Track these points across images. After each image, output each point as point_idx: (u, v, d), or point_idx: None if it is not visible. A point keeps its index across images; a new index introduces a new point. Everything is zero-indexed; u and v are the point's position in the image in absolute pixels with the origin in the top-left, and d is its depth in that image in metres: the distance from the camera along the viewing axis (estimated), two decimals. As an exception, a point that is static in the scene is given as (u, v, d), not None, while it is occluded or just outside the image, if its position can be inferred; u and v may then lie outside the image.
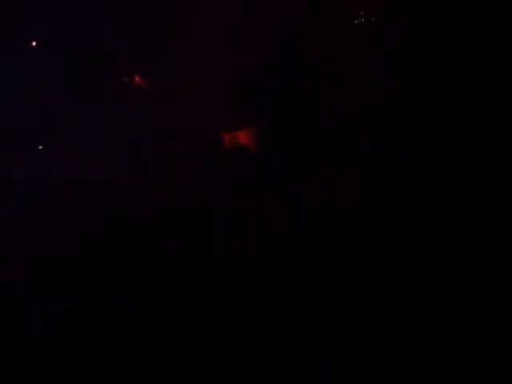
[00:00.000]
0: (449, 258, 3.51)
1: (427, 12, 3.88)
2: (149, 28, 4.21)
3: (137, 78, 4.32)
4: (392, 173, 3.86)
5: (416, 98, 3.87)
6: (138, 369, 3.15)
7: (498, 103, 3.73)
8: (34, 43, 4.20)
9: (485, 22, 3.77)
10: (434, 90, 3.85)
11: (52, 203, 4.15)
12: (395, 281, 3.47)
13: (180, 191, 4.05)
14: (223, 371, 3.11)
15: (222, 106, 4.12)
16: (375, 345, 3.15)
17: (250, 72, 4.13)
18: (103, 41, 4.21)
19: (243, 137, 4.18)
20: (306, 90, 4.04)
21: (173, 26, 4.19)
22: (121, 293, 3.58)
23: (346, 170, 3.91)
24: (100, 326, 3.36)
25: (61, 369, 3.06)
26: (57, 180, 4.30)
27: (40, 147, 4.37)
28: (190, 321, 3.39)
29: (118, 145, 4.27)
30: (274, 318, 3.36)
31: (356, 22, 4.03)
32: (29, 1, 4.16)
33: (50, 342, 3.26)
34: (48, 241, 4.00)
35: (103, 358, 3.13)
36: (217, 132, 4.25)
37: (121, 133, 4.26)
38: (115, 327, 3.35)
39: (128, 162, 4.24)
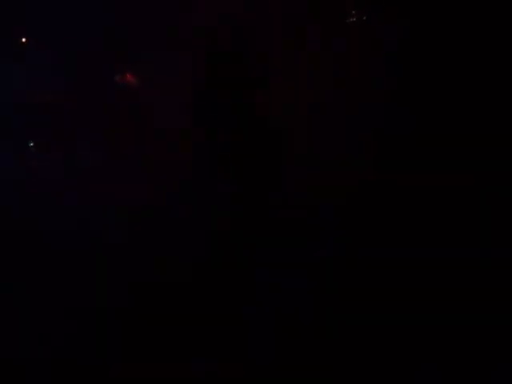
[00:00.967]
0: (447, 258, 3.52)
1: (426, 12, 3.88)
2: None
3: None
4: (391, 172, 3.86)
5: (415, 97, 3.87)
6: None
7: (497, 103, 3.74)
8: (26, 40, 4.20)
9: (484, 21, 3.77)
10: (433, 90, 3.85)
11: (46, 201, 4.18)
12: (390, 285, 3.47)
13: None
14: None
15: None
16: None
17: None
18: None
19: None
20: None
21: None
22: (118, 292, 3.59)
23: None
24: (98, 324, 3.36)
25: (61, 368, 3.06)
26: (52, 178, 4.31)
27: (31, 144, 4.37)
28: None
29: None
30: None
31: (354, 20, 4.03)
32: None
33: (49, 342, 3.27)
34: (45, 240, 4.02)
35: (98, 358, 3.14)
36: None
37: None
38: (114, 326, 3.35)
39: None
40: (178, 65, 4.10)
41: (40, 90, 4.33)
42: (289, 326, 3.12)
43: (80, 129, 4.34)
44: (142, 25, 4.12)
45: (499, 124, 3.75)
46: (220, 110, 3.92)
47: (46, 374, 2.90)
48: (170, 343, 3.10)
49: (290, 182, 3.96)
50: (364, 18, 3.82)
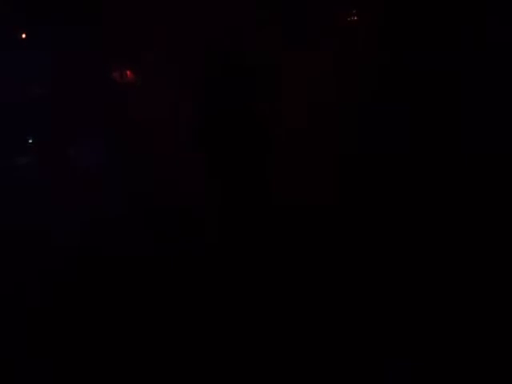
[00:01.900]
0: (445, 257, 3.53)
1: (426, 12, 3.89)
2: None
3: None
4: (390, 172, 3.87)
5: (414, 97, 3.88)
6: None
7: (497, 102, 3.74)
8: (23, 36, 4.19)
9: (484, 21, 3.78)
10: (433, 89, 3.85)
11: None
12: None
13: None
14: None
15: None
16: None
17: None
18: None
19: None
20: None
21: None
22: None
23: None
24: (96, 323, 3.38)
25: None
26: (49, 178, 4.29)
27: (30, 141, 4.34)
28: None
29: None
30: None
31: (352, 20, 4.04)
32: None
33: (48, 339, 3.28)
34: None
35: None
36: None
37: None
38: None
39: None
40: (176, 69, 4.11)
41: (36, 85, 4.31)
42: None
43: (79, 127, 4.32)
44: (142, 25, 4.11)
45: (499, 124, 3.76)
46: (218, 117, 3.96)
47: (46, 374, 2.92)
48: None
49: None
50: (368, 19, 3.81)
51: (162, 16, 4.08)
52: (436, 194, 3.74)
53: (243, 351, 3.31)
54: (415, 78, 3.84)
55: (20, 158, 4.23)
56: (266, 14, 4.00)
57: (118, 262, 3.68)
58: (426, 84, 3.84)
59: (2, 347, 3.25)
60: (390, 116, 3.88)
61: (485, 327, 3.22)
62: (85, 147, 4.16)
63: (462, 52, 3.78)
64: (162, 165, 4.02)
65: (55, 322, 3.42)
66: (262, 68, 3.95)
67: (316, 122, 3.99)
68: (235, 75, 3.97)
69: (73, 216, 3.88)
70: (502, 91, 3.73)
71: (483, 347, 3.15)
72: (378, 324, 3.31)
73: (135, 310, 3.49)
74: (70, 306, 3.52)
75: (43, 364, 3.23)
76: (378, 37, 3.96)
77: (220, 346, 3.34)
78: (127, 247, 3.74)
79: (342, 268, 3.61)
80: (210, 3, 4.00)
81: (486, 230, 3.55)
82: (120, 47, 4.14)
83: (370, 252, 3.64)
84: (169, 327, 3.43)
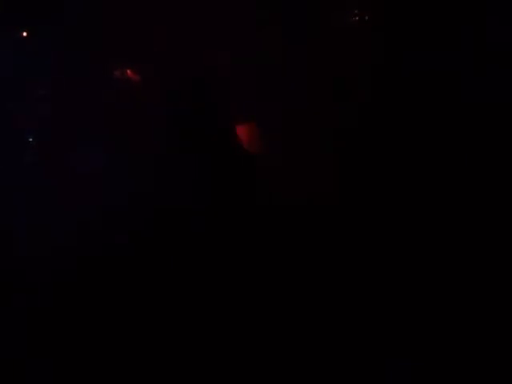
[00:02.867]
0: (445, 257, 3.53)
1: (425, 11, 3.89)
2: None
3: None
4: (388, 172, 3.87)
5: (413, 98, 3.88)
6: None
7: (497, 102, 3.74)
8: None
9: (483, 21, 3.79)
10: (432, 89, 3.86)
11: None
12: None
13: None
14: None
15: None
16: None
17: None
18: None
19: None
20: None
21: None
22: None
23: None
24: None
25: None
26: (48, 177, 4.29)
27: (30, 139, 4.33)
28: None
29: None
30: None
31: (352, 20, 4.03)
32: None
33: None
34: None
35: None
36: None
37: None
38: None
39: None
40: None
41: (37, 84, 4.30)
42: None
43: (79, 127, 4.31)
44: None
45: (499, 124, 3.76)
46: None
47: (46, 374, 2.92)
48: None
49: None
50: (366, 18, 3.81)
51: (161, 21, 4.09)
52: (436, 193, 3.74)
53: (243, 351, 3.31)
54: (415, 78, 3.85)
55: (20, 158, 4.23)
56: (266, 14, 4.00)
57: (117, 262, 3.67)
58: (426, 84, 3.84)
59: (1, 347, 3.25)
60: (390, 117, 3.89)
61: (485, 327, 3.22)
62: (86, 147, 4.16)
63: (461, 52, 3.79)
64: (162, 165, 4.03)
65: (55, 322, 3.42)
66: None
67: (316, 121, 4.00)
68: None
69: (73, 216, 3.88)
70: (502, 91, 3.73)
71: (483, 347, 3.16)
72: (378, 324, 3.31)
73: (135, 309, 3.49)
74: (70, 306, 3.51)
75: (43, 364, 3.23)
76: (377, 37, 3.97)
77: (220, 346, 3.34)
78: (127, 247, 3.74)
79: (342, 268, 3.61)
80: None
81: (486, 230, 3.56)
82: (120, 47, 4.14)
83: (370, 252, 3.64)
84: (169, 327, 3.43)
